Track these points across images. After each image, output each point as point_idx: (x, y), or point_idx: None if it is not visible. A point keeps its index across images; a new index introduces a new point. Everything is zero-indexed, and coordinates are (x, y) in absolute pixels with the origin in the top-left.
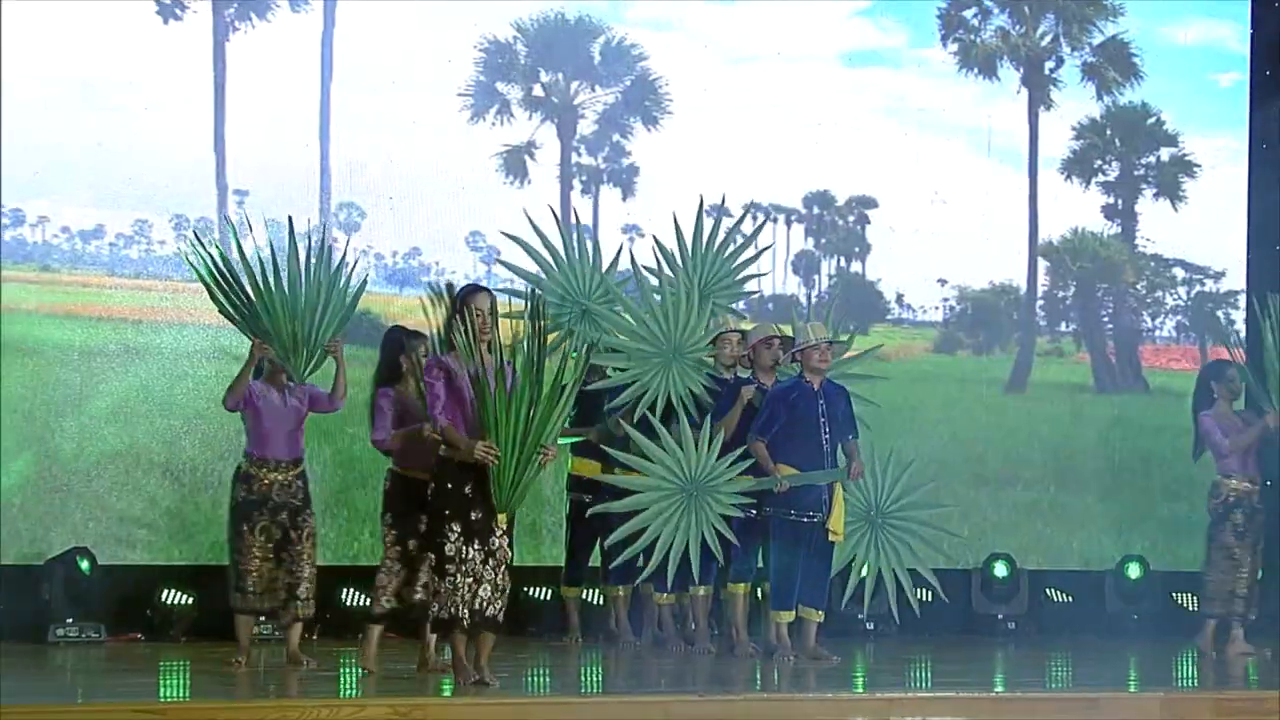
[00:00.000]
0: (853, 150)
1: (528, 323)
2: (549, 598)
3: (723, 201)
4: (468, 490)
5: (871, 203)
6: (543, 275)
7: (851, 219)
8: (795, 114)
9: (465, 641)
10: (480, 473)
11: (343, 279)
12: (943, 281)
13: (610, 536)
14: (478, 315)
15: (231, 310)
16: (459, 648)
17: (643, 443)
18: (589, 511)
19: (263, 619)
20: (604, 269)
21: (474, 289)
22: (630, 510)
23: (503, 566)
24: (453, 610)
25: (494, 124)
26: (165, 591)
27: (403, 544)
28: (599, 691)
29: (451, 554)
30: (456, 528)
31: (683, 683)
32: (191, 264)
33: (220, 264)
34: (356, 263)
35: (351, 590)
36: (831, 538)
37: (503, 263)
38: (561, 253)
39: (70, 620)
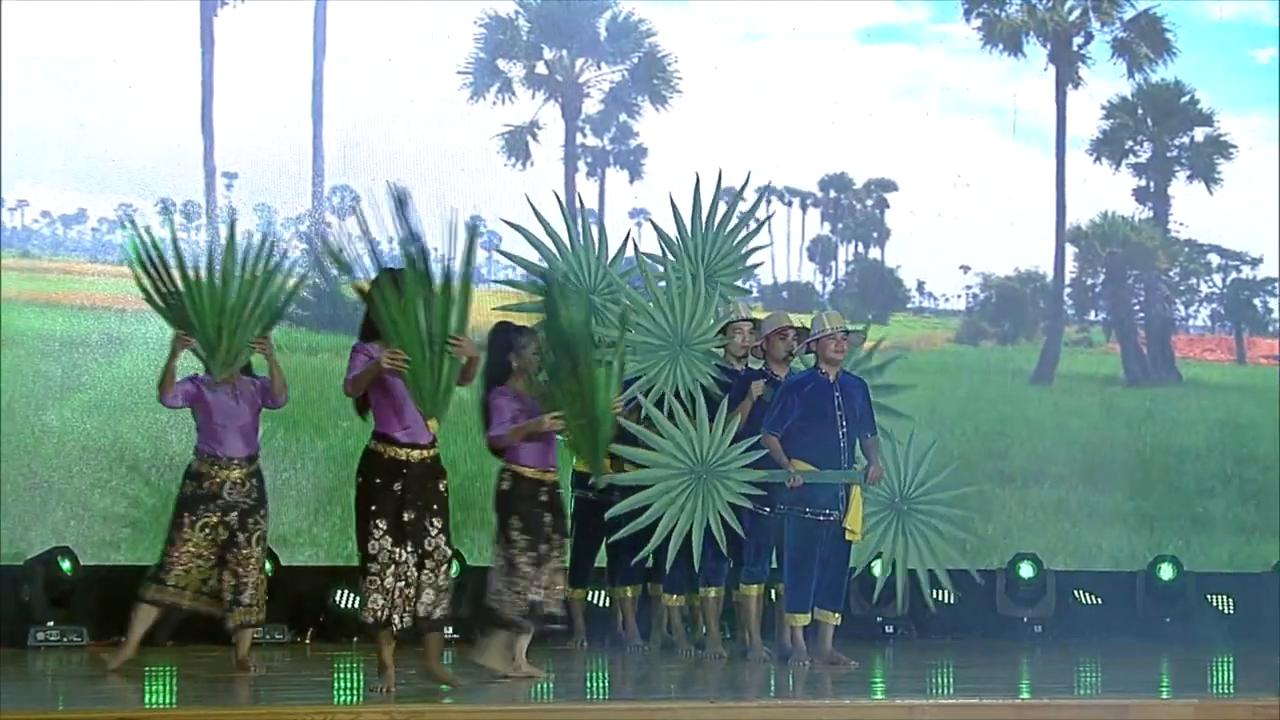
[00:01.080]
0: (871, 131)
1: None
2: None
3: (746, 182)
4: (397, 488)
5: (891, 186)
6: (545, 264)
7: (870, 203)
8: (811, 93)
9: (393, 647)
10: (410, 471)
11: (280, 278)
12: (965, 268)
13: (616, 532)
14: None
15: (157, 299)
16: (385, 653)
17: (655, 416)
18: (607, 514)
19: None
20: (609, 257)
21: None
22: (636, 485)
23: (442, 567)
24: (380, 614)
25: (495, 103)
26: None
27: (535, 547)
28: (605, 698)
29: (375, 552)
30: (382, 525)
31: (693, 689)
32: (132, 248)
33: (151, 250)
34: (295, 270)
35: (346, 592)
36: (849, 536)
37: (502, 253)
38: (565, 240)
39: (51, 623)
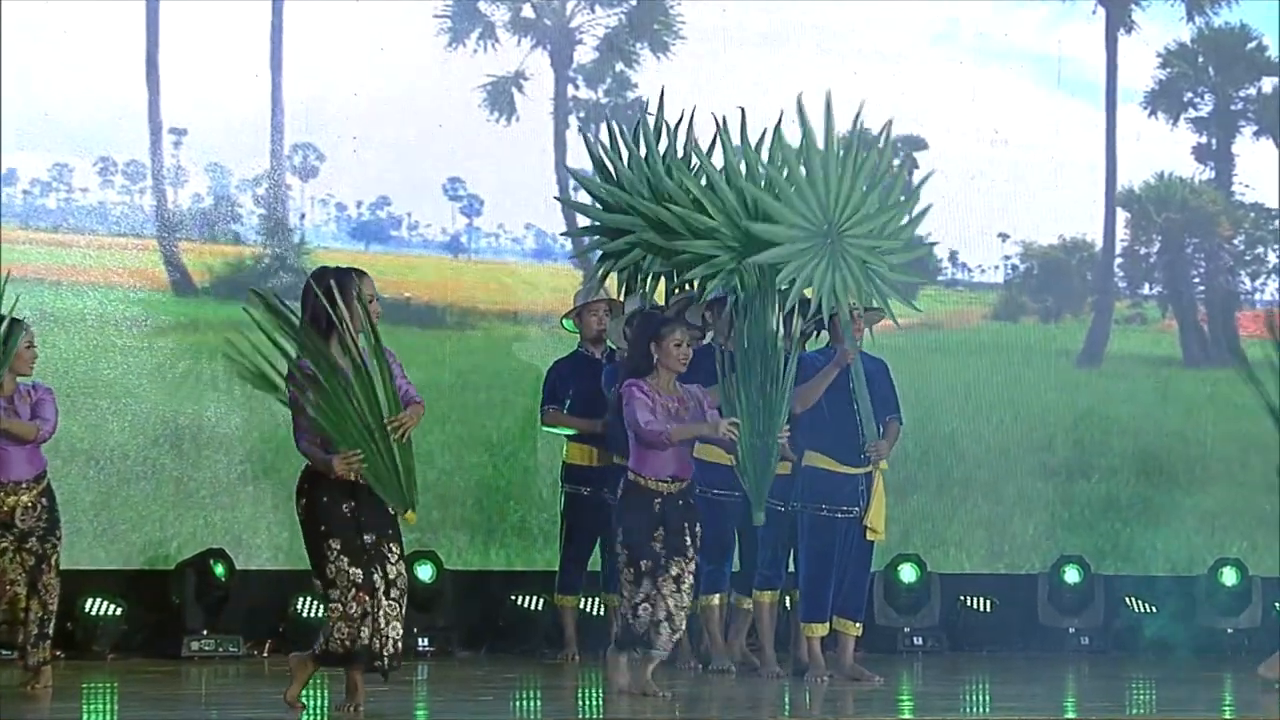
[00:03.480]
0: (899, 82)
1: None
2: (541, 608)
3: (859, 117)
4: (347, 509)
5: (920, 144)
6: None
7: (897, 163)
8: (830, 40)
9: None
10: (360, 491)
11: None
12: (1004, 236)
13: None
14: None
15: None
16: (356, 674)
17: (780, 185)
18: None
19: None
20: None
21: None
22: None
23: (404, 595)
24: (347, 643)
25: (476, 50)
26: (89, 601)
27: (636, 563)
28: (599, 717)
29: (333, 576)
30: (336, 545)
31: (698, 708)
32: None
33: None
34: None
35: (307, 601)
36: (870, 536)
37: (565, 200)
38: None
39: None
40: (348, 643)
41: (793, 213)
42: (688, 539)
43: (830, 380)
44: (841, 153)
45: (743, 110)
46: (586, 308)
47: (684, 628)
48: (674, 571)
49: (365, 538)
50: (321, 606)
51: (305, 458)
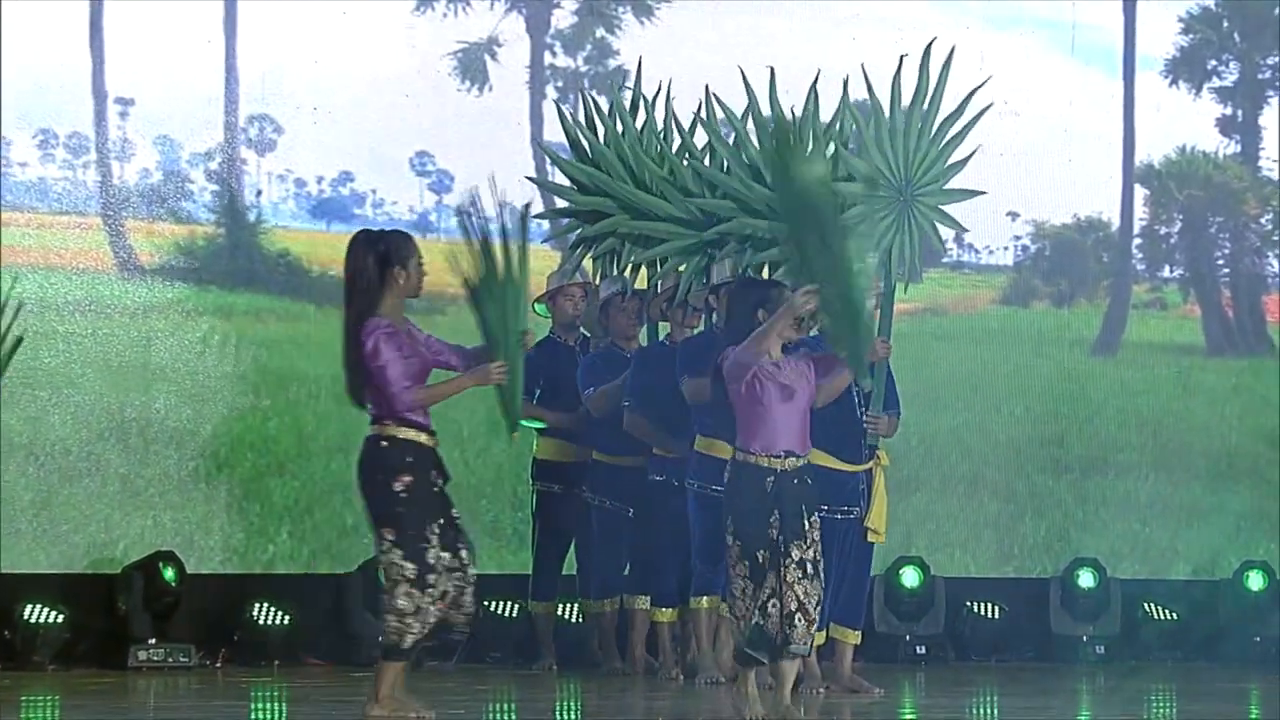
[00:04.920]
0: (899, 48)
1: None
2: (514, 614)
3: (932, 83)
4: (438, 483)
5: None
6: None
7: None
8: (826, 4)
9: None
10: (434, 459)
11: None
12: (1014, 215)
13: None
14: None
15: None
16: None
17: (865, 138)
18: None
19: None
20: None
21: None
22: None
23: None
24: (424, 632)
25: (446, 15)
26: (29, 608)
27: (751, 554)
28: None
29: (433, 561)
30: (437, 529)
31: None
32: None
33: None
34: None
35: (265, 606)
36: (871, 538)
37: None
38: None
39: None
40: (424, 631)
41: (871, 168)
42: (805, 522)
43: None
44: (924, 109)
45: (772, 70)
46: (561, 291)
47: (819, 619)
48: (796, 556)
49: (453, 511)
50: (278, 613)
51: (411, 408)
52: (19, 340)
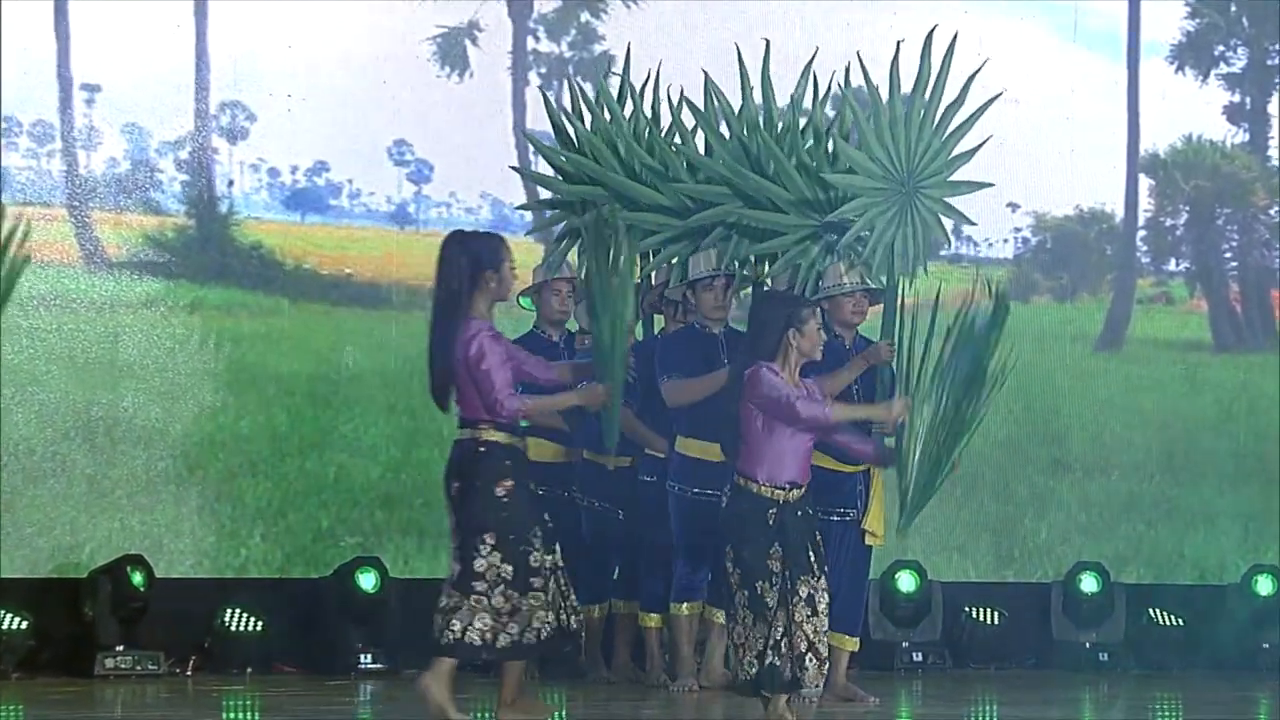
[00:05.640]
0: (896, 34)
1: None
2: None
3: (939, 74)
4: (531, 486)
5: None
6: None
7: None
8: None
9: None
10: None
11: None
12: (1014, 206)
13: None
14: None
15: None
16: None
17: (863, 129)
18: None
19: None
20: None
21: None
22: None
23: None
24: (548, 630)
25: None
26: None
27: (750, 584)
28: None
29: (536, 565)
30: (539, 532)
31: None
32: None
33: None
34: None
35: (237, 612)
36: (869, 541)
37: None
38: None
39: None
40: (547, 630)
41: (871, 160)
42: (811, 555)
43: (855, 377)
44: (926, 99)
45: (767, 42)
46: (548, 285)
47: (828, 657)
48: (804, 593)
49: (547, 516)
50: (251, 620)
51: (514, 415)
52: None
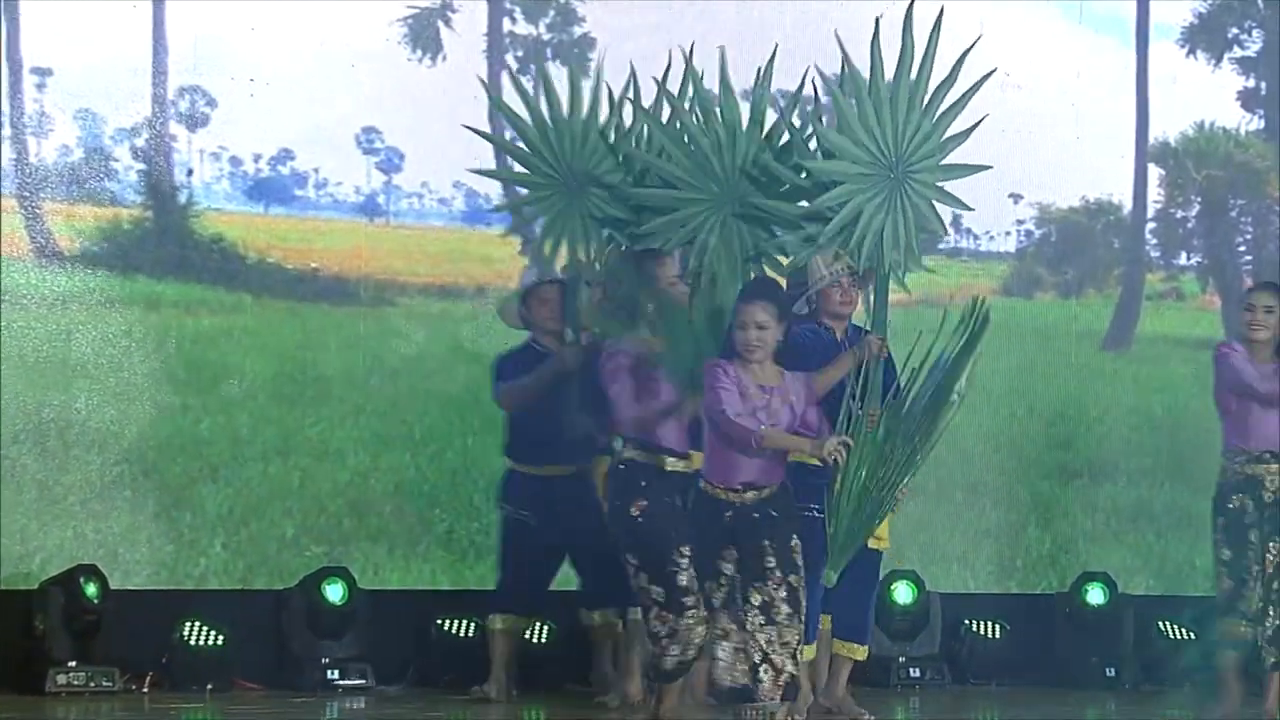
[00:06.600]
0: (894, 18)
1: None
2: (473, 633)
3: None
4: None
5: None
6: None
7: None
8: None
9: None
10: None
11: None
12: (1017, 197)
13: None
14: None
15: None
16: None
17: (845, 115)
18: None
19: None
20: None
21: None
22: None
23: None
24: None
25: None
26: None
27: (701, 584)
28: None
29: (686, 583)
30: (688, 551)
31: None
32: None
33: None
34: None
35: (197, 625)
36: (873, 544)
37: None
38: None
39: None
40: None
41: (856, 145)
42: (770, 559)
43: (843, 374)
44: (912, 78)
45: (722, 50)
46: (533, 294)
47: (790, 669)
48: (756, 601)
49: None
50: (211, 633)
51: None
52: None
